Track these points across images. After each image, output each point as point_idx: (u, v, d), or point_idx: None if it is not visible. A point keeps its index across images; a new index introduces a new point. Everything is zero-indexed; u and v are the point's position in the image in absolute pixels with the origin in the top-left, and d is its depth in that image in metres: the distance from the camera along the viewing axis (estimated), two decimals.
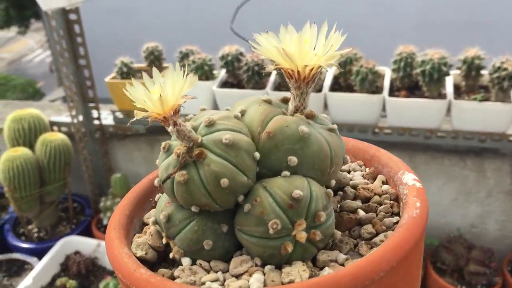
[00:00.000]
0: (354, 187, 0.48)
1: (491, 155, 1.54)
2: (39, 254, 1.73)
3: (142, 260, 0.41)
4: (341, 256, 0.38)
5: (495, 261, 1.59)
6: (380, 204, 0.44)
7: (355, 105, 1.53)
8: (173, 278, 0.39)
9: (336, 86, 1.61)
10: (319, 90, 1.54)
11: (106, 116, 1.88)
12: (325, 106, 1.55)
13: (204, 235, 0.39)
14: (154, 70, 0.41)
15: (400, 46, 1.54)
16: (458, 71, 1.52)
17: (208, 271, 0.39)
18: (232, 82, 1.69)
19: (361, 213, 0.43)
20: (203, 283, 0.36)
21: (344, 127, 1.55)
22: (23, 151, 1.69)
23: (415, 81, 1.54)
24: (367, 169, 0.50)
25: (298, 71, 0.39)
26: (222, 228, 0.39)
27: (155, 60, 1.79)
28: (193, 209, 0.39)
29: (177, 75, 0.39)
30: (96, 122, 1.84)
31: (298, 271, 0.36)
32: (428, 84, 1.45)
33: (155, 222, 0.43)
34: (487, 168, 1.55)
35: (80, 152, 1.83)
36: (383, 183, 0.48)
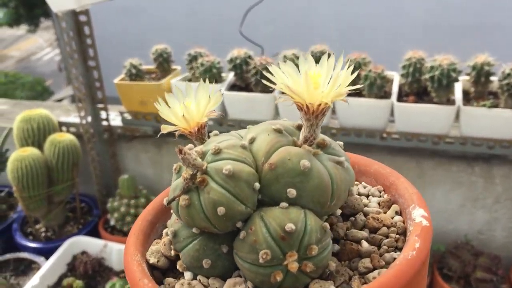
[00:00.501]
0: (366, 214, 0.47)
1: (499, 162, 1.53)
2: (46, 253, 1.74)
3: (154, 267, 0.44)
4: None
5: (502, 268, 1.58)
6: (386, 237, 0.44)
7: (363, 110, 1.53)
8: None
9: None
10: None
11: (114, 117, 1.89)
12: (333, 111, 1.55)
13: (204, 254, 0.41)
14: (187, 85, 0.43)
15: (409, 51, 1.54)
16: (467, 77, 1.51)
17: (206, 287, 0.41)
18: (240, 85, 1.69)
19: (364, 244, 0.43)
20: None
21: (352, 131, 1.55)
22: (32, 151, 1.71)
23: (423, 87, 1.53)
24: (385, 196, 0.50)
25: (307, 105, 0.40)
26: (223, 249, 0.41)
27: (164, 62, 1.80)
28: (194, 230, 0.41)
29: (204, 92, 0.41)
30: (104, 123, 1.85)
31: None
32: (437, 90, 1.45)
33: (167, 234, 0.45)
34: (495, 174, 1.55)
35: (88, 153, 1.84)
36: (396, 213, 0.47)
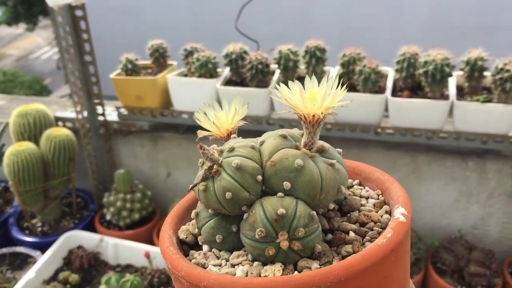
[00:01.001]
0: (360, 212, 0.55)
1: (493, 157, 1.54)
2: (43, 248, 1.74)
3: (183, 242, 0.55)
4: (315, 265, 0.46)
5: (495, 263, 1.59)
6: (371, 230, 0.51)
7: (357, 105, 1.54)
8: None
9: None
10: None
11: (110, 112, 1.89)
12: None
13: (217, 231, 0.51)
14: (223, 100, 0.57)
15: (404, 47, 1.55)
16: (461, 72, 1.52)
17: (218, 258, 0.51)
18: (236, 80, 1.70)
19: (351, 234, 0.51)
20: (207, 266, 0.49)
21: (346, 126, 1.56)
22: (28, 145, 1.71)
23: (418, 82, 1.54)
24: (380, 198, 0.57)
25: (305, 116, 0.50)
26: (232, 228, 0.51)
27: (160, 57, 1.81)
28: (210, 211, 0.52)
29: (234, 105, 0.55)
30: (100, 118, 1.86)
31: (273, 270, 0.46)
32: (431, 84, 1.46)
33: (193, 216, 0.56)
34: (489, 169, 1.56)
35: (84, 148, 1.85)
36: (386, 212, 0.54)
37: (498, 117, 1.42)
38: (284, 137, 0.52)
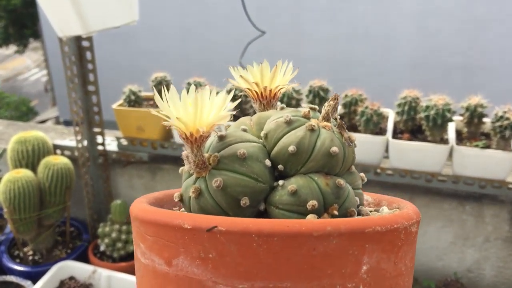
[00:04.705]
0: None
1: (490, 201, 1.57)
2: (34, 277, 1.71)
3: None
4: None
5: None
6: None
7: (359, 145, 1.55)
8: None
9: None
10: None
11: (110, 142, 1.89)
12: None
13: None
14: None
15: (405, 90, 1.58)
16: (460, 118, 1.56)
17: None
18: (239, 116, 1.71)
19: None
20: None
21: None
22: (25, 173, 1.69)
23: (418, 125, 1.57)
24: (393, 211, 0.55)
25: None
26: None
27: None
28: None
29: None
30: (100, 147, 1.85)
31: None
32: (431, 129, 1.49)
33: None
34: (486, 213, 1.58)
35: (82, 177, 1.83)
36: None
37: (497, 163, 1.45)
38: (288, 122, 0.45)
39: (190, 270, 0.36)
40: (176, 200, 0.44)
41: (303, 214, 0.40)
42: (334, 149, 0.43)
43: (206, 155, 0.41)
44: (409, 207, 0.46)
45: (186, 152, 0.41)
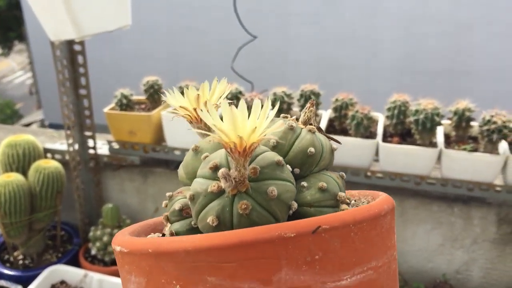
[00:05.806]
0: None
1: (478, 204, 1.60)
2: (24, 282, 1.70)
3: None
4: None
5: None
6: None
7: (349, 149, 1.58)
8: None
9: (331, 129, 1.67)
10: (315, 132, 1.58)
11: (101, 146, 1.89)
12: None
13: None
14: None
15: (395, 94, 1.61)
16: (448, 121, 1.59)
17: None
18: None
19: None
20: None
21: (337, 169, 1.60)
22: (16, 176, 1.69)
23: (407, 129, 1.60)
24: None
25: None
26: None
27: (155, 93, 1.83)
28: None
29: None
30: (91, 151, 1.85)
31: None
32: (420, 132, 1.51)
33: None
34: (474, 216, 1.61)
35: (73, 181, 1.83)
36: None
37: (484, 166, 1.48)
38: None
39: (296, 279, 0.36)
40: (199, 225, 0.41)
41: (334, 206, 0.43)
42: (334, 146, 0.48)
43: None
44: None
45: (225, 170, 0.38)
